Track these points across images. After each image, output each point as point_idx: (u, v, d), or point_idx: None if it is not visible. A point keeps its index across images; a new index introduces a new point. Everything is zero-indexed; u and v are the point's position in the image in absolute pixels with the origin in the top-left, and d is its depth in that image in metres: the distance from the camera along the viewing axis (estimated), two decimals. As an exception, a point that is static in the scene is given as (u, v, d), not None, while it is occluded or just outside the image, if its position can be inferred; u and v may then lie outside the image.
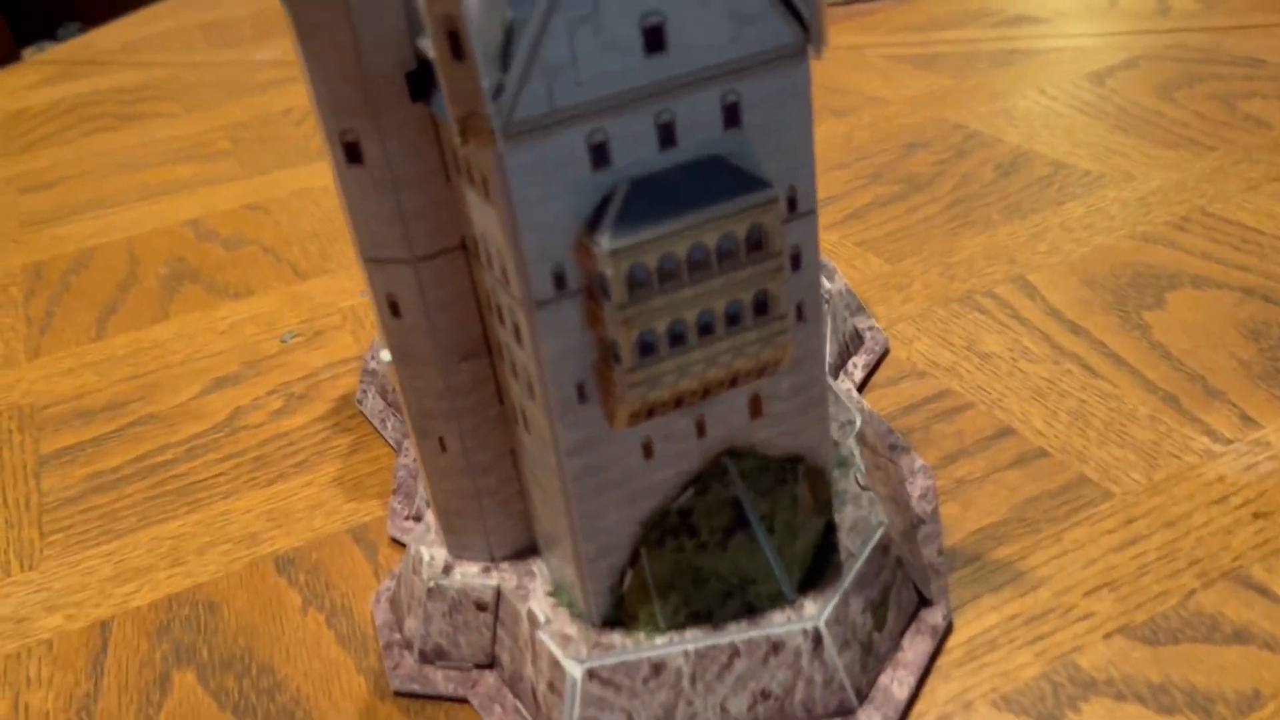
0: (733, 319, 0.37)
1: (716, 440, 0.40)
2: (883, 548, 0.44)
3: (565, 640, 0.41)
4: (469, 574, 0.45)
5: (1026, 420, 0.55)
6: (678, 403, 0.38)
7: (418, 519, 0.54)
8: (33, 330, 0.80)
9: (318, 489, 0.59)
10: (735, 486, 0.41)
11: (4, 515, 0.60)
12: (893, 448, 0.54)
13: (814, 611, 0.41)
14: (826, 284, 0.61)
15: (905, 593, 0.45)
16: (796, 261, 0.39)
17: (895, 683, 0.43)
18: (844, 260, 0.73)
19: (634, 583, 0.41)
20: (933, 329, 0.64)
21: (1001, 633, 0.44)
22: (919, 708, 0.42)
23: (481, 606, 0.45)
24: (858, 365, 0.61)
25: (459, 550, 0.46)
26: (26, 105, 1.36)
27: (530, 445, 0.41)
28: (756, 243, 0.36)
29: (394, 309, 0.41)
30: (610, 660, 0.40)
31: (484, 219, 0.36)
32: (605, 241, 0.34)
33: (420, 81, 0.36)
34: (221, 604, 0.52)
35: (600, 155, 0.34)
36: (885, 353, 0.62)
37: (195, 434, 0.65)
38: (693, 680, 0.41)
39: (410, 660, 0.47)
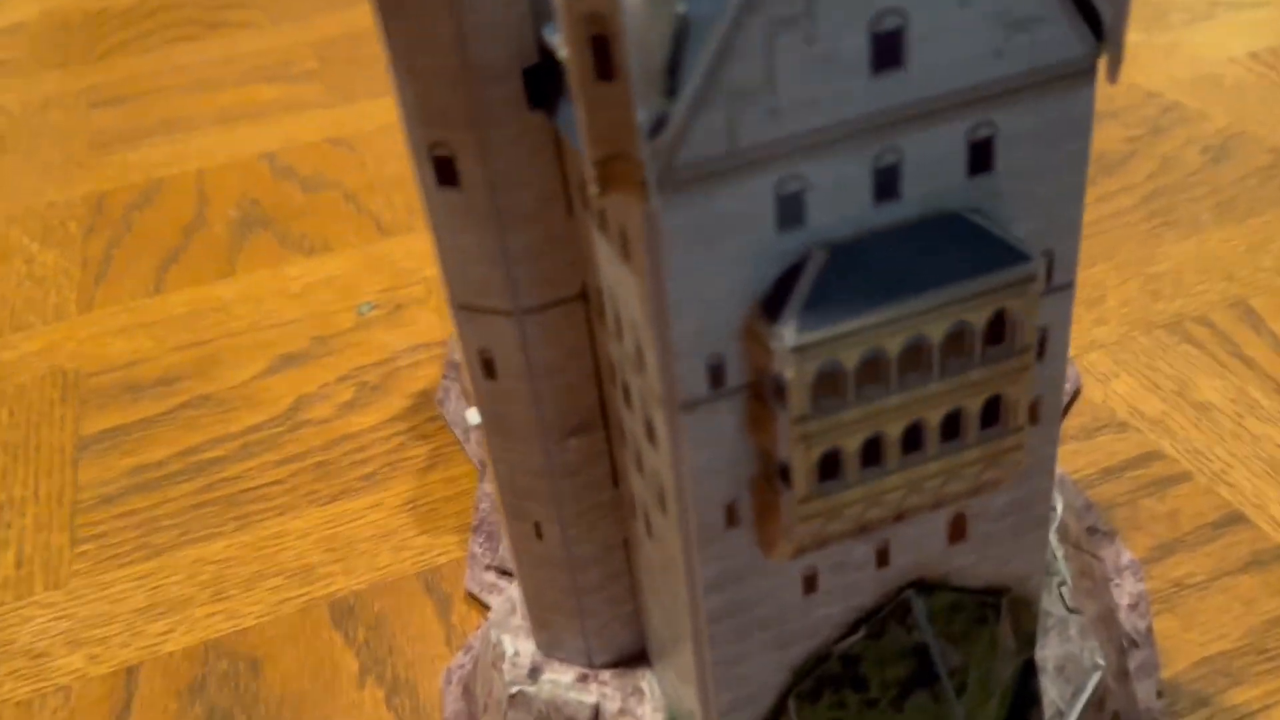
0: (950, 430, 0.27)
1: (901, 571, 0.30)
2: (1098, 701, 0.34)
3: (682, 801, 0.32)
4: (561, 683, 0.36)
5: (1261, 504, 0.44)
6: (859, 530, 0.28)
7: (501, 571, 0.45)
8: (87, 276, 0.72)
9: (386, 513, 0.50)
10: (921, 631, 0.31)
11: (34, 512, 0.53)
12: (1092, 532, 0.43)
13: (1012, 798, 0.31)
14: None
15: (1122, 760, 0.35)
16: (1040, 348, 0.28)
17: None
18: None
19: (777, 740, 0.32)
20: (1135, 364, 0.52)
21: (1245, 823, 0.34)
22: None
23: (575, 727, 0.36)
24: (1041, 408, 0.50)
25: (550, 648, 0.37)
26: (108, 4, 1.28)
27: (652, 553, 0.32)
28: (998, 333, 0.26)
29: (488, 368, 0.31)
30: (741, 837, 0.31)
31: (617, 279, 0.26)
32: (788, 334, 0.24)
33: (541, 82, 0.26)
34: (265, 661, 0.44)
35: (791, 211, 0.24)
36: (1077, 392, 0.51)
37: (252, 426, 0.57)
38: None
39: (484, 774, 0.38)
